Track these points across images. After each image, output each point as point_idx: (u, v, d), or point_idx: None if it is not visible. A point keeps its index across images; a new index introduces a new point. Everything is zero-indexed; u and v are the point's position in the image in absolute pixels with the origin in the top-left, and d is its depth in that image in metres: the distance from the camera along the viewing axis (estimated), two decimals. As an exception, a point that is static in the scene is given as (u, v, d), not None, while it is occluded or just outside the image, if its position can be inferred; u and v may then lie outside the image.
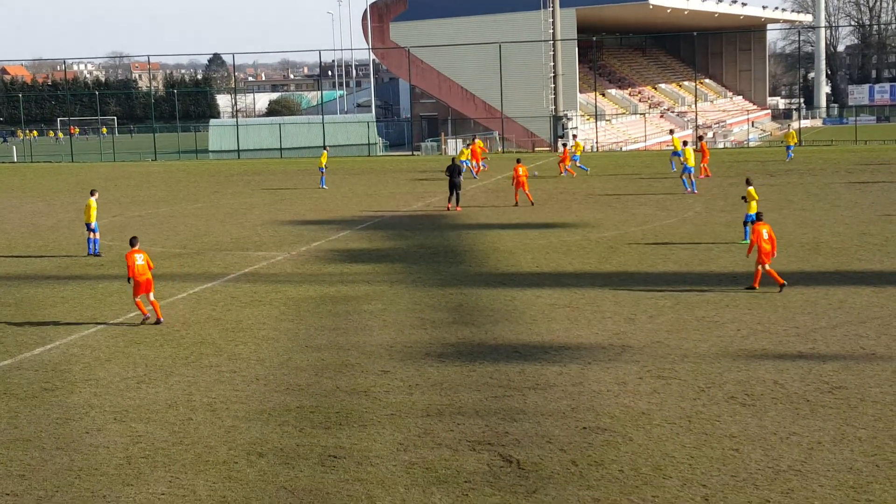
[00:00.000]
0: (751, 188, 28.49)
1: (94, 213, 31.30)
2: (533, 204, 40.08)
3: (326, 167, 52.14)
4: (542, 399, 15.64)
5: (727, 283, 23.83)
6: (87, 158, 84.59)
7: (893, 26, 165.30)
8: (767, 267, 22.73)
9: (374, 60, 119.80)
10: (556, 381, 16.55)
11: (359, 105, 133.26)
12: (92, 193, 32.16)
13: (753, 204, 28.05)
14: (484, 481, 12.53)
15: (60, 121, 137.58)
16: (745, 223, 28.76)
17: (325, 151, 54.32)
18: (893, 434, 13.65)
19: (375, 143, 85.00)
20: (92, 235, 31.46)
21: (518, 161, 41.64)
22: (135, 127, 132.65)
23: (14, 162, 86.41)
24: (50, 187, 57.02)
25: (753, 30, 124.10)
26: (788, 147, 57.46)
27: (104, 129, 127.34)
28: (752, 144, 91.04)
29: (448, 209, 39.71)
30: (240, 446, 14.00)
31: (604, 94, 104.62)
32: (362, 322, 21.33)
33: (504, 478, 12.61)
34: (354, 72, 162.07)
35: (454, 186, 39.65)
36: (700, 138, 53.90)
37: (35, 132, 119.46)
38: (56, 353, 19.45)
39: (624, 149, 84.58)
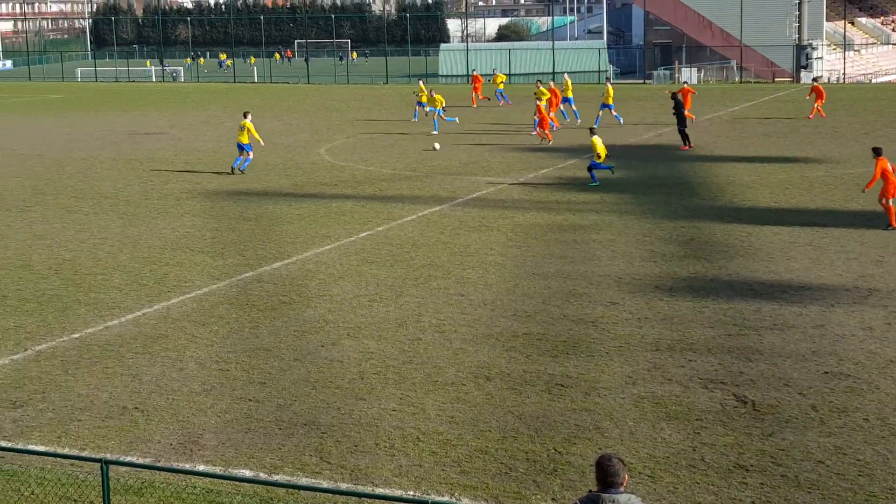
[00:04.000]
0: (594, 137, 29.50)
1: (247, 134, 32.20)
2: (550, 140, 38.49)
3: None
4: (780, 340, 15.04)
5: (984, 228, 22.19)
6: (322, 80, 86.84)
7: None
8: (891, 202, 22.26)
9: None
10: (795, 322, 15.88)
11: (589, 31, 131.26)
12: (245, 115, 33.09)
13: (600, 151, 29.29)
14: (716, 420, 12.18)
15: (297, 43, 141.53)
16: (588, 168, 29.46)
17: (422, 84, 49.48)
18: None
19: (606, 71, 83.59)
20: (243, 155, 32.53)
21: (538, 97, 40.53)
22: (367, 51, 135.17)
23: (254, 82, 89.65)
24: (287, 107, 58.82)
25: None
26: None
27: (354, 55, 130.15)
28: None
29: (684, 149, 36.67)
30: (467, 369, 14.10)
31: (853, 23, 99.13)
32: (590, 251, 21.07)
33: (738, 418, 12.22)
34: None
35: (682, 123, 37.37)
36: (815, 79, 50.31)
37: (202, 59, 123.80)
38: (293, 267, 20.09)
39: (874, 81, 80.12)
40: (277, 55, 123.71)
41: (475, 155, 36.18)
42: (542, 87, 42.50)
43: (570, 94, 45.83)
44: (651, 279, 18.78)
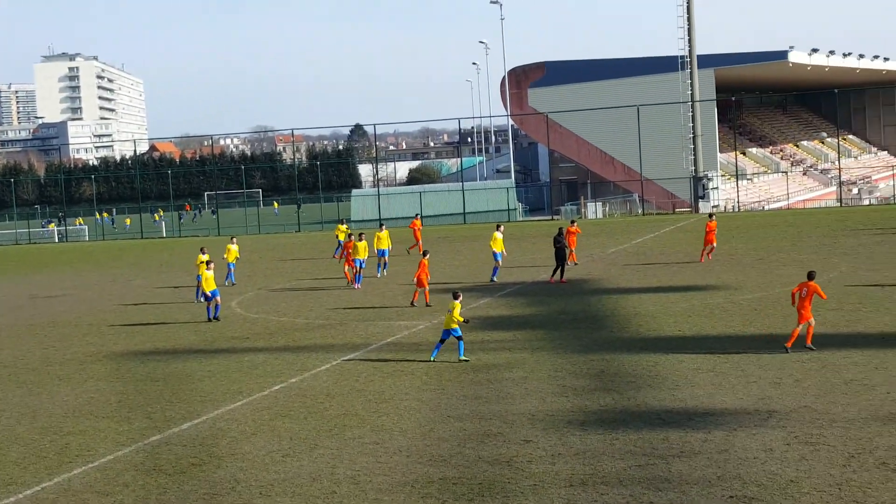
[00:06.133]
0: (455, 301, 24.44)
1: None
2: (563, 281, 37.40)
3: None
4: (687, 467, 15.33)
5: (876, 345, 23.04)
6: (232, 232, 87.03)
7: None
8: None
9: (512, 126, 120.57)
10: (700, 448, 16.22)
11: (498, 171, 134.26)
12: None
13: (458, 319, 24.14)
14: (628, 553, 12.31)
15: (207, 195, 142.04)
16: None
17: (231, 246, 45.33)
18: None
19: (515, 209, 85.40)
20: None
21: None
22: (279, 198, 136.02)
23: (163, 237, 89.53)
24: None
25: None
26: None
27: (276, 204, 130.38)
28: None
29: (552, 282, 38.22)
30: (383, 518, 14.07)
31: (744, 153, 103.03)
32: (504, 390, 21.30)
33: (649, 550, 12.37)
34: (493, 138, 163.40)
35: (561, 258, 38.27)
36: (710, 215, 45.07)
37: (106, 213, 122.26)
38: (203, 427, 19.91)
39: (766, 208, 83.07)
40: (157, 214, 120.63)
41: (388, 298, 36.50)
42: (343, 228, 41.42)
43: (384, 246, 44.37)
44: (563, 414, 19.03)
